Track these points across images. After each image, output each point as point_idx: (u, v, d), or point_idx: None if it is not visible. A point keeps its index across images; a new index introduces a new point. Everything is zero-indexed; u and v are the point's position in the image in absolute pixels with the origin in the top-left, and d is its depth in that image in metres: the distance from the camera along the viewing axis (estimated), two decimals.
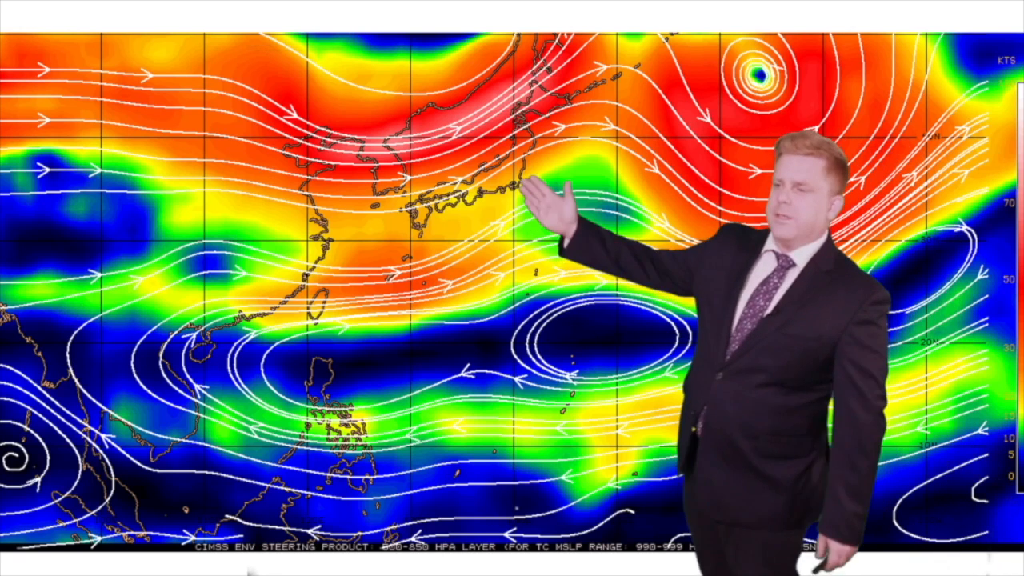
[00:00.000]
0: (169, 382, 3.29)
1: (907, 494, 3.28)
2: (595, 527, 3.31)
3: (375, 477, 3.31)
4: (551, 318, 3.29)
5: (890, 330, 3.26)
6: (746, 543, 2.18)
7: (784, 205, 2.11)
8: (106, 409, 3.29)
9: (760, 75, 3.26)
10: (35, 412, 3.29)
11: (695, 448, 2.22)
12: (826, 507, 2.09)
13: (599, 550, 3.31)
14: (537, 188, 2.36)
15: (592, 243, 2.36)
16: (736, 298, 2.17)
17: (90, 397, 3.29)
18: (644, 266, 2.38)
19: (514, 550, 3.32)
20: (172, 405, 3.30)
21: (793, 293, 2.12)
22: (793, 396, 2.12)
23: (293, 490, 3.31)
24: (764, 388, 2.11)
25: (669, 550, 3.28)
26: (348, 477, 3.31)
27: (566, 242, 2.38)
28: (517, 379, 3.30)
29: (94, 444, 3.29)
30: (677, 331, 3.28)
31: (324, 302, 3.29)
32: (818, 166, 2.10)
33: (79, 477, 3.29)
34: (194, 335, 3.29)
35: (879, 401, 2.07)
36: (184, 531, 3.31)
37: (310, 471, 3.31)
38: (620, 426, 3.30)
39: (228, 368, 3.29)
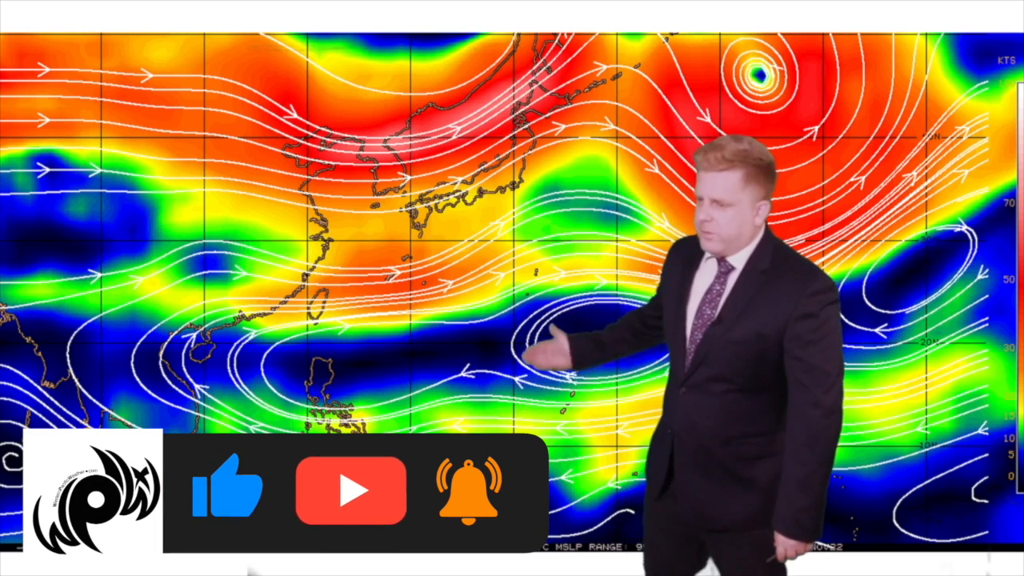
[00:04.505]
0: (169, 382, 3.29)
1: (907, 494, 3.28)
2: (595, 527, 3.31)
3: None
4: (551, 318, 3.29)
5: (890, 330, 3.29)
6: (738, 545, 2.18)
7: (706, 223, 2.11)
8: (106, 409, 3.29)
9: (760, 75, 3.26)
10: (35, 412, 3.29)
11: (671, 469, 2.22)
12: (777, 501, 2.09)
13: (599, 550, 3.31)
14: (536, 353, 2.48)
15: (594, 355, 2.47)
16: (685, 311, 2.18)
17: (90, 397, 3.29)
18: (643, 337, 2.45)
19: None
20: (172, 405, 3.29)
21: (734, 298, 2.12)
22: (756, 398, 2.12)
23: None
24: (726, 395, 2.12)
25: None
26: None
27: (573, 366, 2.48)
28: (517, 379, 3.30)
29: None
30: None
31: (324, 302, 3.29)
32: (733, 180, 2.07)
33: None
34: (194, 335, 3.29)
35: (827, 396, 2.03)
36: None
37: None
38: (620, 426, 3.30)
39: (228, 368, 3.29)
